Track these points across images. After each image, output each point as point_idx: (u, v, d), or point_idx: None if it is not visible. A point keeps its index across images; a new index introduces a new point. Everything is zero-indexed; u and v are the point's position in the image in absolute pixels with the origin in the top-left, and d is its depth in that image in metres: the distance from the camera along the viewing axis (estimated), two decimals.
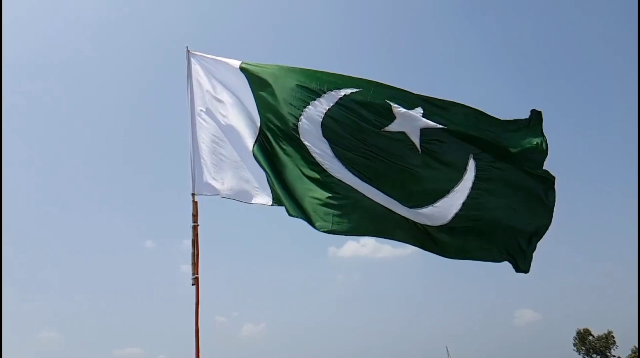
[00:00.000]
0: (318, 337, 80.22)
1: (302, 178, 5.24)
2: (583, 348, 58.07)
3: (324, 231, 4.97)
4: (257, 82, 5.58)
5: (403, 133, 4.98)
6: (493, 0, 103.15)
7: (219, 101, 5.81)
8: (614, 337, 57.38)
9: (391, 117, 5.00)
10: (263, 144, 5.49)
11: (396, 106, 4.97)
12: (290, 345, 76.89)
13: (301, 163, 5.28)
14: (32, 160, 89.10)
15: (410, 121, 4.95)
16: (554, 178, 4.98)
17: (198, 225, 5.30)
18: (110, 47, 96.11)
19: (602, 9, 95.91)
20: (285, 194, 5.23)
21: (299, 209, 5.14)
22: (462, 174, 4.93)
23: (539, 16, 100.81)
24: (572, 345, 58.81)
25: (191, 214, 5.35)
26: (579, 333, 58.73)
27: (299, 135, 5.26)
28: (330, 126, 5.17)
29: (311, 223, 5.06)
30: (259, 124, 5.55)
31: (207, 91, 5.87)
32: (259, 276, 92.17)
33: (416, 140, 4.95)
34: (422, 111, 4.93)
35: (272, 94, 5.45)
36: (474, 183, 4.91)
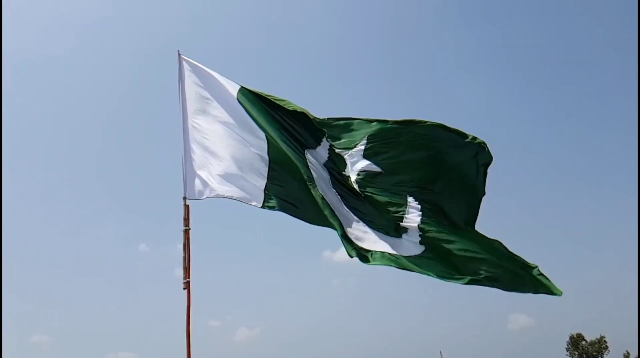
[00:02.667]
0: (313, 341, 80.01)
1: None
2: (576, 352, 58.21)
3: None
4: (254, 94, 5.69)
5: (347, 177, 5.15)
6: (492, 5, 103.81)
7: (212, 104, 5.82)
8: (606, 342, 57.62)
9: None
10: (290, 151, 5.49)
11: (340, 150, 5.19)
12: (285, 350, 76.65)
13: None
14: (25, 163, 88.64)
15: (351, 163, 5.12)
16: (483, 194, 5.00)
17: (189, 229, 5.26)
18: (104, 51, 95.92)
19: (601, 12, 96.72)
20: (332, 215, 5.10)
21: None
22: (405, 212, 4.92)
23: (539, 19, 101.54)
24: (565, 349, 59.05)
25: (182, 218, 5.34)
26: (572, 338, 58.89)
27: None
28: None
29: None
30: (263, 133, 5.60)
31: (199, 94, 5.87)
32: (253, 280, 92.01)
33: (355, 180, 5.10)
34: (363, 149, 5.03)
35: (273, 111, 5.58)
36: (419, 225, 4.88)
